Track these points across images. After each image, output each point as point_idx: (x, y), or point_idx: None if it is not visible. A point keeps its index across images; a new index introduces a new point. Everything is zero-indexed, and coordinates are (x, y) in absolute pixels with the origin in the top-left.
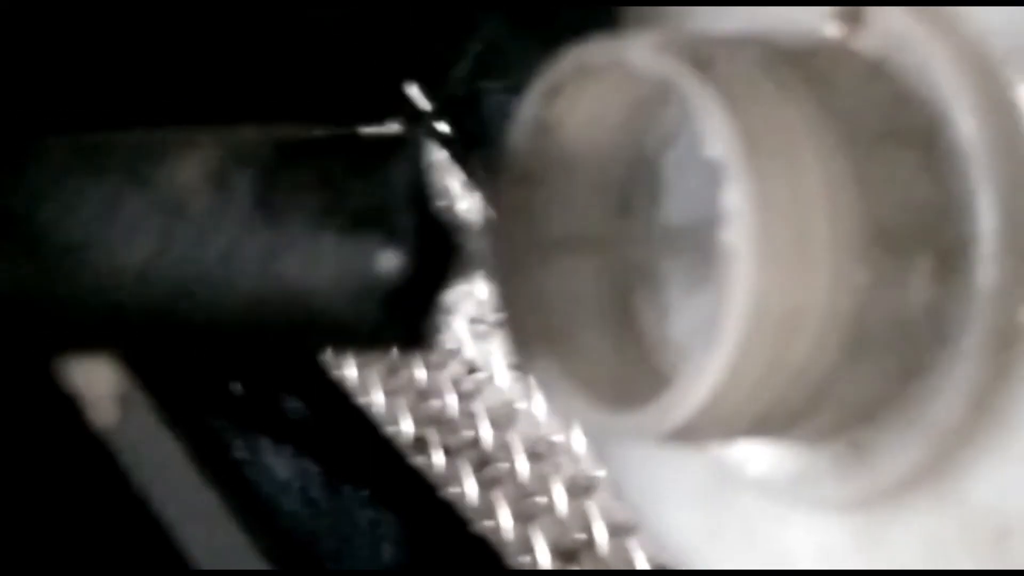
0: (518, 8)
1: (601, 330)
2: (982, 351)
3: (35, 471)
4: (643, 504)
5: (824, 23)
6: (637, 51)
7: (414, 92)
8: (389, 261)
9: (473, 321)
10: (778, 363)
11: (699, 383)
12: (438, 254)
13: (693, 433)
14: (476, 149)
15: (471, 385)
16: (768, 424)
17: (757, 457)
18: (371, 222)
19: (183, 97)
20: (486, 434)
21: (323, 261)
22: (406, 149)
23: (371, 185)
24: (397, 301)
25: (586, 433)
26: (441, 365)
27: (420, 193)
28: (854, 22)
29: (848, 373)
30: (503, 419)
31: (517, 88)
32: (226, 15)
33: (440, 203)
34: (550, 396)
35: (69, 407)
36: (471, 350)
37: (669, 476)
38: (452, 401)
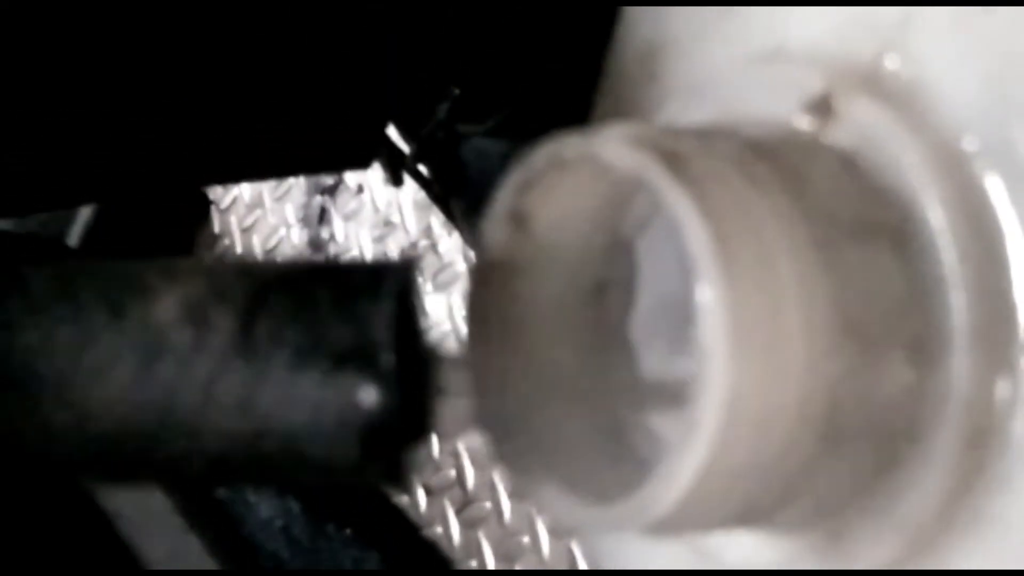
0: (497, 53)
1: (578, 415)
2: (956, 442)
3: (15, 514)
4: None
5: (795, 116)
6: (609, 146)
7: (394, 135)
8: (370, 400)
9: None
10: (754, 457)
11: (674, 483)
12: (419, 390)
13: (670, 526)
14: (455, 191)
15: None
16: (746, 515)
17: (736, 544)
18: (353, 361)
19: (164, 137)
20: (469, 474)
21: (303, 399)
22: (390, 283)
23: (354, 322)
24: (377, 440)
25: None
26: None
27: (403, 330)
28: (825, 115)
29: (824, 464)
30: (485, 459)
31: (495, 131)
32: (208, 57)
33: (423, 336)
34: (527, 488)
35: None
36: None
37: (648, 559)
38: (434, 441)
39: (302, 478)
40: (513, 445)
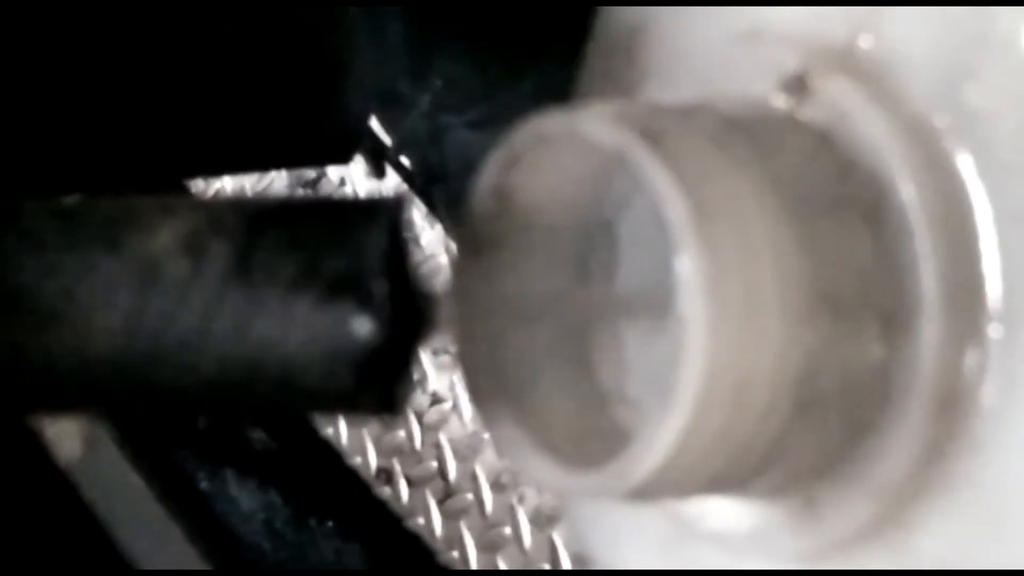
0: (478, 45)
1: (560, 387)
2: (927, 409)
3: None
4: (602, 555)
5: (772, 94)
6: (590, 122)
7: (376, 127)
8: (363, 328)
9: (436, 352)
10: (731, 425)
11: (653, 448)
12: (411, 319)
13: (649, 493)
14: (437, 183)
15: (435, 416)
16: (724, 482)
17: (715, 511)
18: (345, 289)
19: (152, 133)
20: (450, 465)
21: (297, 327)
22: (381, 215)
23: (346, 252)
24: (370, 367)
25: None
26: None
27: (395, 259)
28: (800, 93)
29: (799, 432)
30: (467, 450)
31: (477, 123)
32: (188, 51)
33: (413, 267)
34: (510, 456)
35: (32, 441)
36: (434, 381)
37: (628, 527)
38: (416, 432)
39: (297, 406)
40: (499, 416)
